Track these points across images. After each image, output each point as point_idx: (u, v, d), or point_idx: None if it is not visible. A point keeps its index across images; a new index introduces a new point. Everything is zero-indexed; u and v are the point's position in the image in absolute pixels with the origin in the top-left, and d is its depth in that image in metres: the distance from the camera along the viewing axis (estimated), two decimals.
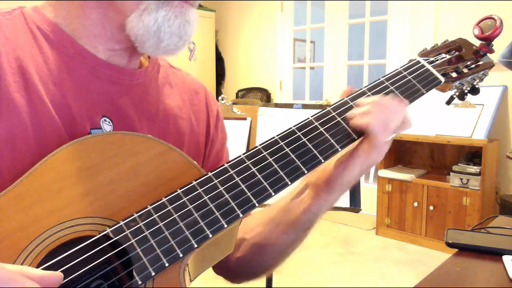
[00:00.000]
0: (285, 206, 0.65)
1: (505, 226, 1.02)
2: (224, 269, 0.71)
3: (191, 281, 0.55)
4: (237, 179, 0.53)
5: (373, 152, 0.57)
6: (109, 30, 0.57)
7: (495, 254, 0.87)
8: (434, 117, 2.99)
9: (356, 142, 0.59)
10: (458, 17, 3.14)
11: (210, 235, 0.49)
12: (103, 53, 0.58)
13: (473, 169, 2.85)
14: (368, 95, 0.61)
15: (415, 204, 3.07)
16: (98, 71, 0.57)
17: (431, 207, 3.01)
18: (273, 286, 1.63)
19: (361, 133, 0.58)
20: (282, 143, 0.56)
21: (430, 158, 3.35)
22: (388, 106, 0.58)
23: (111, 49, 0.58)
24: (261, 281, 1.67)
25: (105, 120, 0.57)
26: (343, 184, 0.60)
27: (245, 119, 1.67)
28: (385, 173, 3.21)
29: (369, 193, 3.37)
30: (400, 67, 0.66)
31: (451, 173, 2.94)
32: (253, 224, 0.68)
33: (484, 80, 0.73)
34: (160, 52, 0.57)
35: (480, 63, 0.69)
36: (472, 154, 2.96)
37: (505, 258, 0.83)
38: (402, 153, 3.45)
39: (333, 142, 0.57)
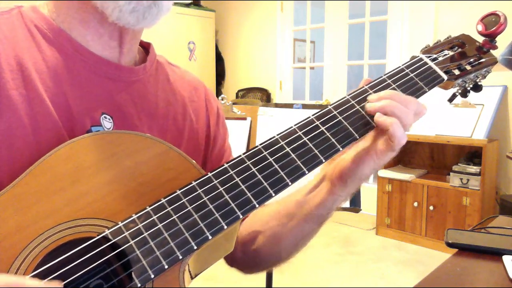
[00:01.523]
0: (300, 199, 0.65)
1: (505, 226, 1.02)
2: (238, 260, 0.72)
3: (192, 278, 0.55)
4: (237, 179, 0.52)
5: (389, 151, 0.56)
6: (87, 10, 0.56)
7: (495, 254, 0.86)
8: (434, 117, 2.99)
9: (368, 139, 0.58)
10: (458, 17, 3.13)
11: (210, 237, 0.49)
12: (93, 42, 0.58)
13: (473, 169, 2.85)
14: (370, 93, 0.60)
15: (415, 204, 3.07)
16: (97, 68, 0.57)
17: (431, 207, 3.00)
18: (273, 286, 1.63)
19: (363, 131, 0.57)
20: (282, 143, 0.55)
21: (430, 158, 3.34)
22: (407, 101, 0.57)
23: (98, 36, 0.58)
24: (261, 281, 1.67)
25: (105, 117, 0.57)
26: (355, 180, 0.60)
27: (245, 119, 1.67)
28: (385, 173, 3.20)
29: (369, 193, 3.36)
30: (403, 65, 0.64)
31: (451, 173, 2.94)
32: (268, 217, 0.69)
33: (484, 80, 0.72)
34: (127, 16, 0.53)
35: (483, 60, 0.68)
36: (472, 154, 2.96)
37: (505, 258, 0.83)
38: (402, 153, 3.43)
39: (334, 142, 0.56)
